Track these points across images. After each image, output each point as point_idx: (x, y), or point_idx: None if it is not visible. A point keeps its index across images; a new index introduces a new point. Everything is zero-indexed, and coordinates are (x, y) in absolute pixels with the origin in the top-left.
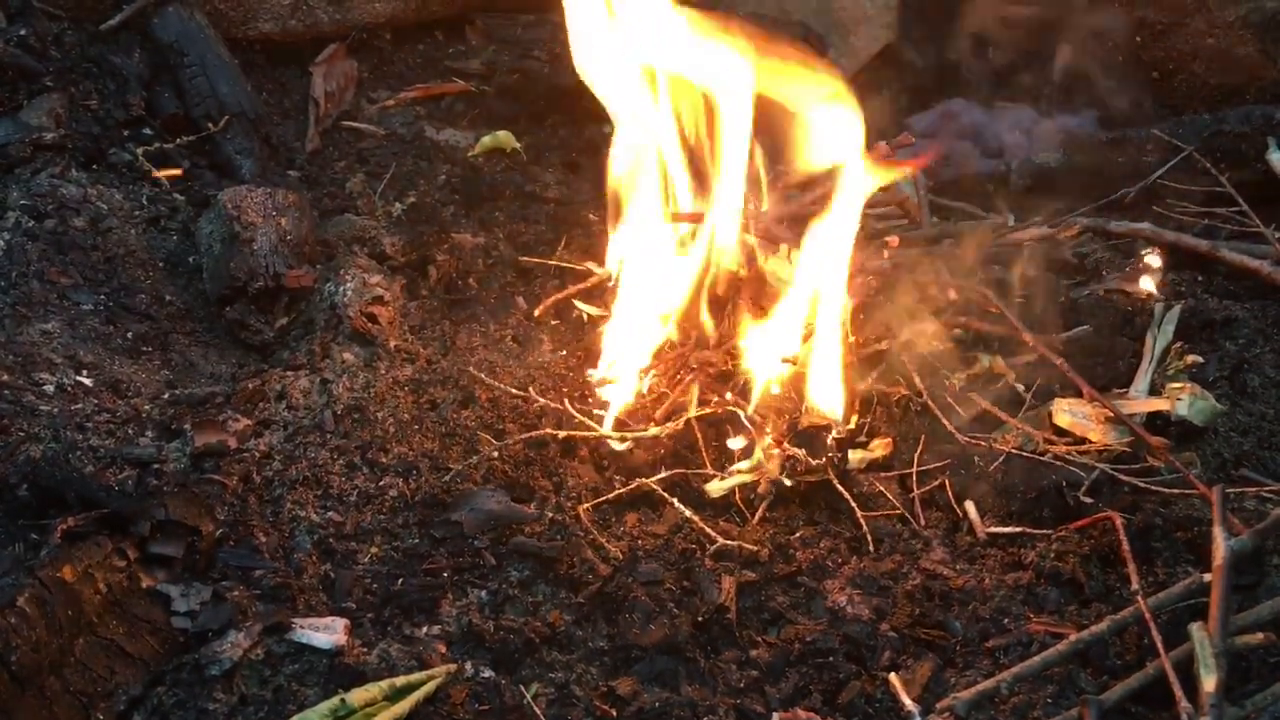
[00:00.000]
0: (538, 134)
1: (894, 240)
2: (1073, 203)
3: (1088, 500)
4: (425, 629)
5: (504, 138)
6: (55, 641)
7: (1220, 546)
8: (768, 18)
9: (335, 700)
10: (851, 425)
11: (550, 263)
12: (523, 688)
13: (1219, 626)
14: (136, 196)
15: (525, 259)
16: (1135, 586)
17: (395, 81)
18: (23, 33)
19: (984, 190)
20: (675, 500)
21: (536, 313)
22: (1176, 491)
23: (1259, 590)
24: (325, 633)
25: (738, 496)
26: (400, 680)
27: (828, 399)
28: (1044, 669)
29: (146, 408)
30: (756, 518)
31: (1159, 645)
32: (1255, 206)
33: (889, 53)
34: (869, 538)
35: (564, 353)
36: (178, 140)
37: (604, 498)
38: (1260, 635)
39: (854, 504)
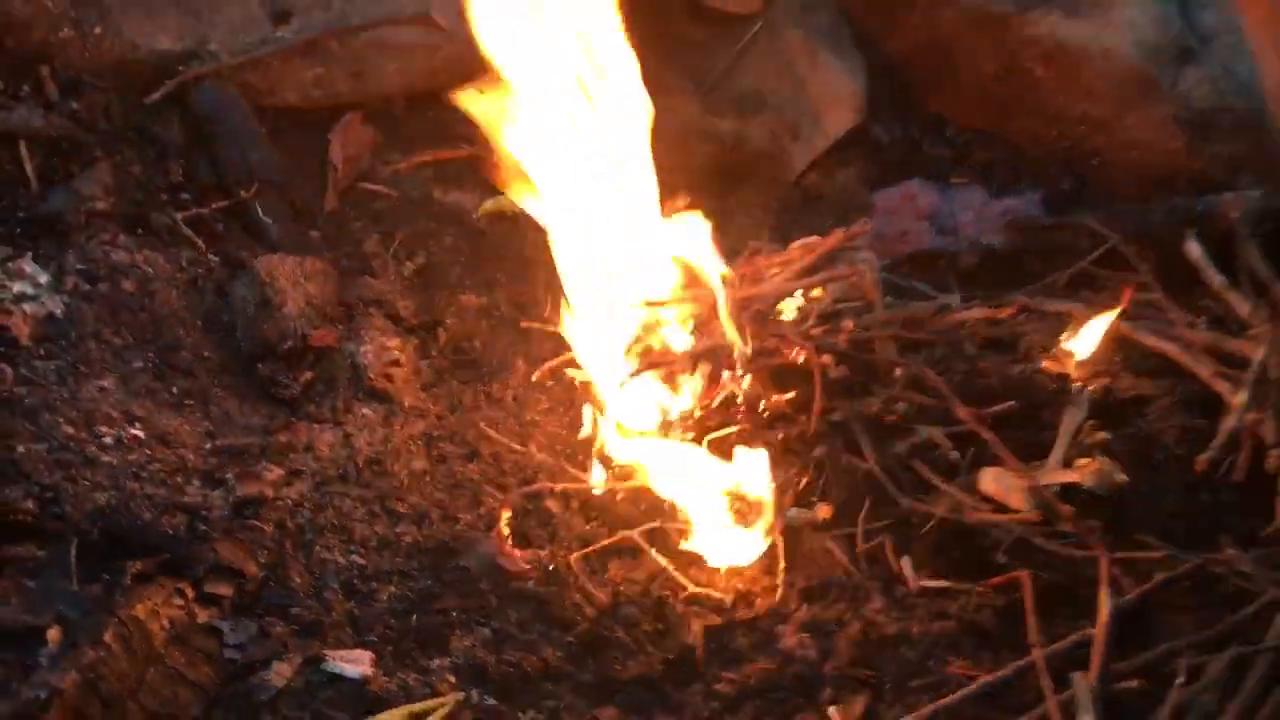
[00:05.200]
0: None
1: (849, 324)
2: (1013, 283)
3: (1005, 559)
4: (437, 661)
5: (505, 202)
6: (133, 671)
7: (1105, 603)
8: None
9: None
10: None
11: (546, 328)
12: (520, 714)
13: (1099, 674)
14: (177, 259)
15: (524, 323)
16: (1032, 638)
17: (407, 146)
18: (74, 106)
19: (939, 268)
20: (653, 550)
21: (534, 377)
22: (1081, 553)
23: (1148, 642)
24: (353, 664)
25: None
26: (418, 706)
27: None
28: (958, 706)
29: (191, 458)
30: (726, 569)
31: (1048, 690)
32: (1174, 292)
33: (858, 132)
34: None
35: (558, 411)
36: (213, 205)
37: (591, 547)
38: (1135, 682)
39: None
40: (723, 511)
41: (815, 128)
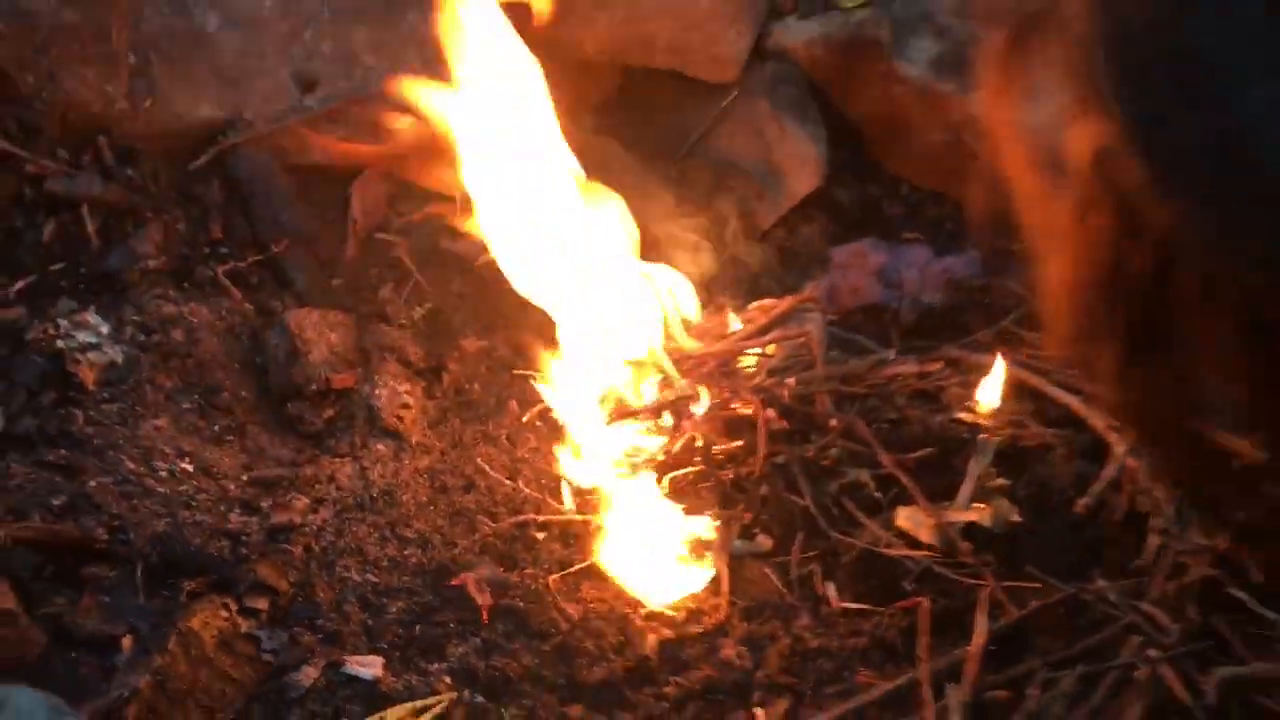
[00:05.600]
0: None
1: (791, 381)
2: (947, 338)
3: (912, 587)
4: (436, 665)
5: None
6: (190, 672)
7: (980, 625)
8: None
9: (376, 717)
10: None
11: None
12: (503, 710)
13: (971, 684)
14: (218, 309)
15: (516, 371)
16: (920, 653)
17: (419, 199)
18: (129, 174)
19: (884, 321)
20: (618, 573)
21: (525, 418)
22: (974, 582)
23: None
24: (367, 667)
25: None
26: (419, 703)
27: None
28: (863, 709)
29: (232, 488)
30: (679, 590)
31: (927, 697)
32: None
33: (820, 192)
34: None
35: (544, 449)
36: (248, 259)
37: (568, 570)
38: (1002, 692)
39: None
40: (674, 545)
41: (781, 189)
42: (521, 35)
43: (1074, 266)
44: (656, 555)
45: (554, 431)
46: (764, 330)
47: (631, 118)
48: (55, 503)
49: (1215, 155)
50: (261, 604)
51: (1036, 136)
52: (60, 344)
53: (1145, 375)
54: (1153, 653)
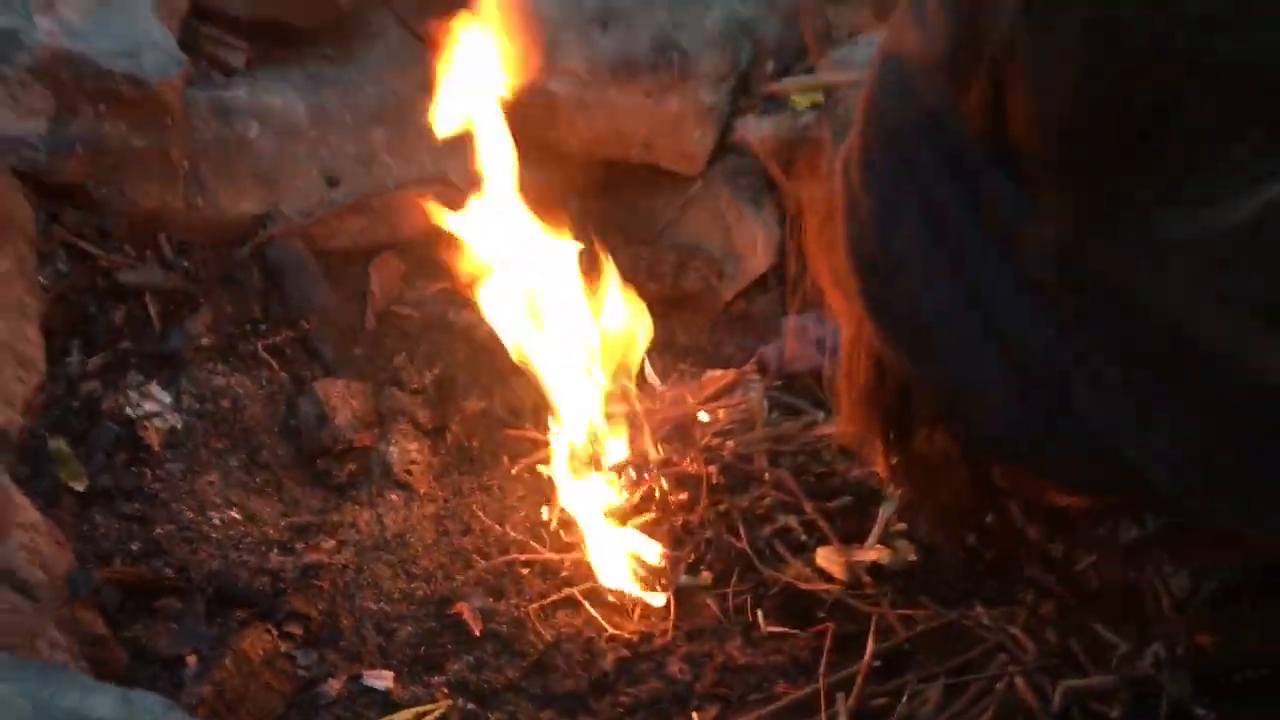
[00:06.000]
0: None
1: (732, 444)
2: None
3: (825, 614)
4: (436, 678)
5: None
6: (243, 685)
7: (870, 646)
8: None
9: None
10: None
11: (525, 433)
12: (490, 715)
13: (858, 694)
14: (258, 379)
15: (509, 430)
16: (822, 670)
17: (430, 275)
18: (185, 265)
19: (820, 387)
20: (587, 603)
21: (514, 471)
22: (874, 610)
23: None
24: (381, 680)
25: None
26: (422, 709)
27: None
28: (777, 714)
29: (271, 532)
30: (636, 617)
31: (824, 705)
32: None
33: (774, 268)
34: (698, 632)
35: (530, 498)
36: (283, 335)
37: (546, 600)
38: (883, 700)
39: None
40: (630, 577)
41: (739, 268)
42: (515, 135)
43: (847, 375)
44: (618, 588)
45: (538, 482)
46: (713, 397)
47: (609, 205)
48: (132, 548)
49: (910, 340)
50: (297, 629)
51: (834, 258)
52: (130, 412)
53: (905, 469)
54: (1011, 668)
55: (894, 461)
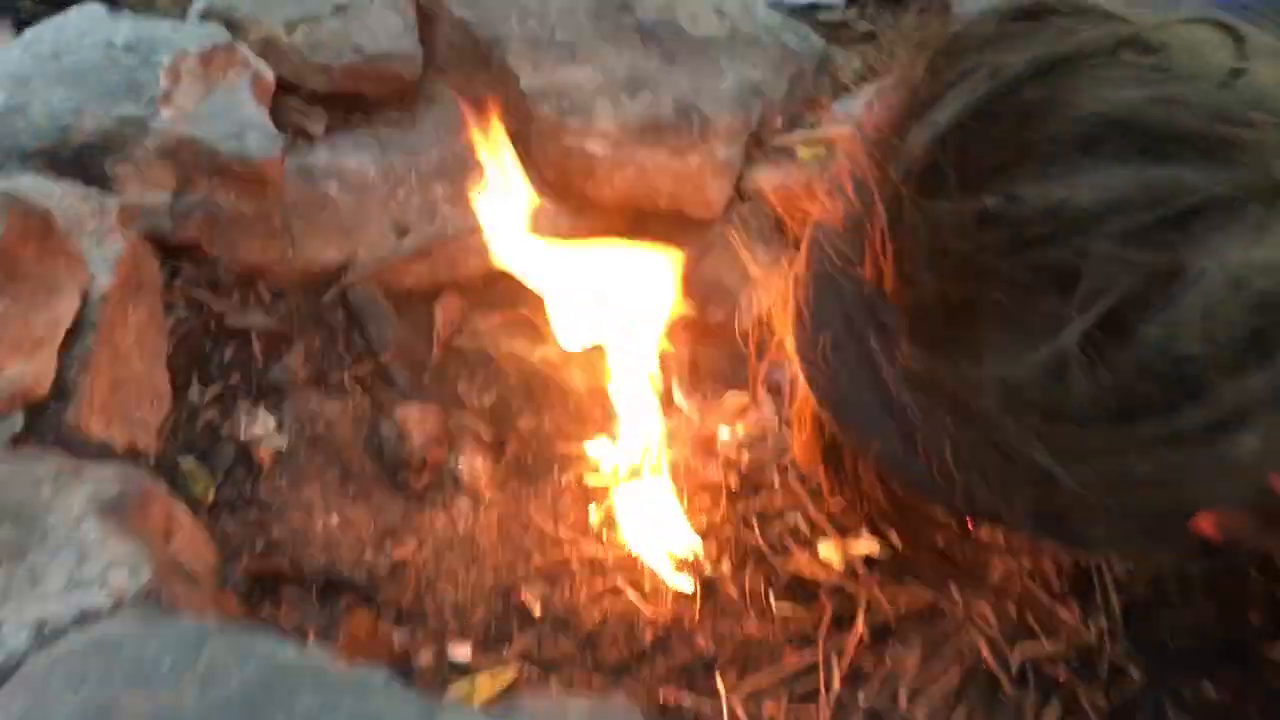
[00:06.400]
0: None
1: (748, 456)
2: None
3: (825, 598)
4: (506, 651)
5: (550, 351)
6: (353, 655)
7: (860, 621)
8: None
9: (468, 679)
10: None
11: (572, 449)
12: (551, 679)
13: (849, 658)
14: (346, 406)
15: (558, 447)
16: (821, 640)
17: (485, 311)
18: (280, 309)
19: None
20: (628, 590)
21: (563, 482)
22: (868, 593)
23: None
24: (462, 652)
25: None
26: (496, 671)
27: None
28: (784, 676)
29: (364, 534)
30: (668, 602)
31: (823, 667)
32: None
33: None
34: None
35: (578, 504)
36: (365, 367)
37: (593, 588)
38: (872, 663)
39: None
40: (666, 568)
41: (754, 300)
42: (555, 190)
43: (798, 421)
44: (653, 577)
45: (584, 490)
46: (732, 416)
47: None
48: (257, 546)
49: (835, 407)
50: (391, 612)
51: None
52: (243, 436)
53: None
54: (977, 637)
55: (833, 481)
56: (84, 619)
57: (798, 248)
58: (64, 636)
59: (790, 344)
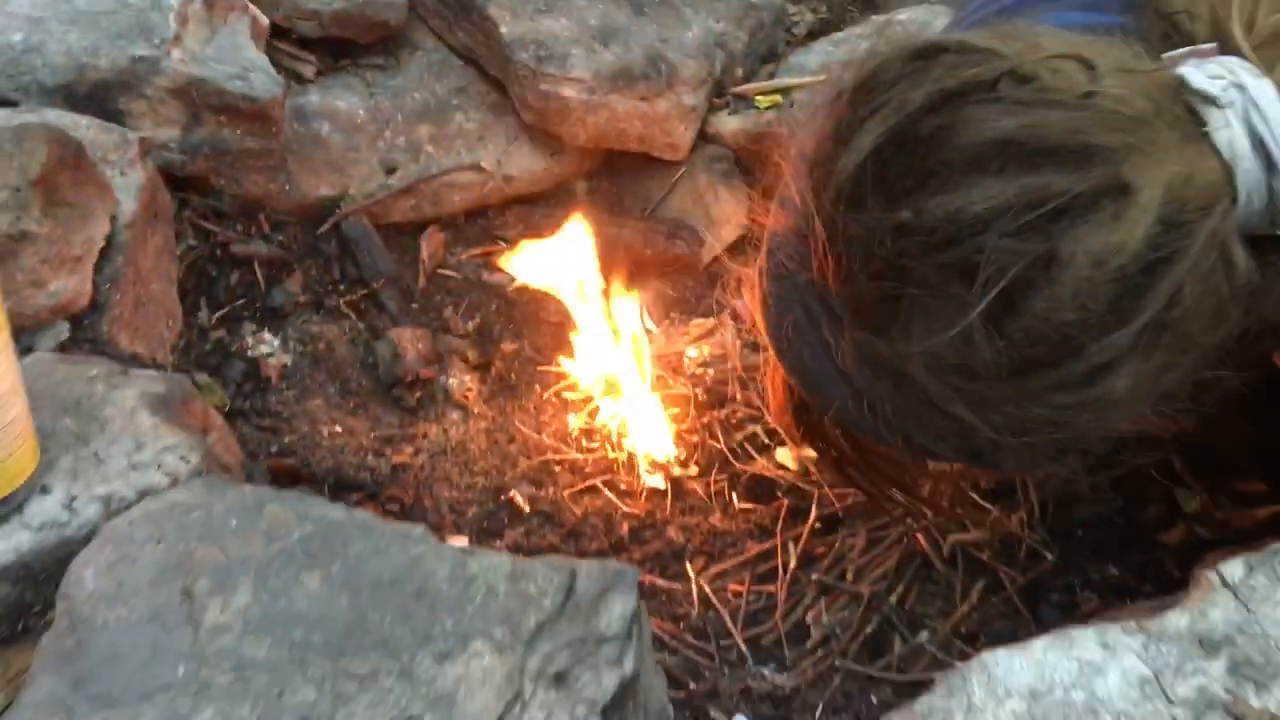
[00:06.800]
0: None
1: (713, 373)
2: None
3: (781, 494)
4: (498, 543)
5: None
6: None
7: (813, 513)
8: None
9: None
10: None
11: (550, 367)
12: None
13: (802, 545)
14: (343, 328)
15: (539, 366)
16: (779, 530)
17: (466, 244)
18: (280, 239)
19: None
20: (606, 490)
21: (545, 397)
22: (820, 490)
23: (836, 533)
24: (458, 543)
25: (638, 489)
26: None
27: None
28: (746, 562)
29: (365, 442)
30: (642, 499)
31: (779, 555)
32: None
33: (743, 236)
34: (689, 509)
35: (559, 416)
36: (359, 294)
37: (574, 488)
38: (821, 549)
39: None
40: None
41: (716, 235)
42: (532, 132)
43: (771, 387)
44: (628, 477)
45: (564, 404)
46: (698, 338)
47: (611, 186)
48: (271, 449)
49: (799, 376)
50: (395, 508)
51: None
52: (250, 353)
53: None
54: (914, 525)
55: (803, 432)
56: (145, 495)
57: (757, 191)
58: (134, 506)
59: (760, 325)
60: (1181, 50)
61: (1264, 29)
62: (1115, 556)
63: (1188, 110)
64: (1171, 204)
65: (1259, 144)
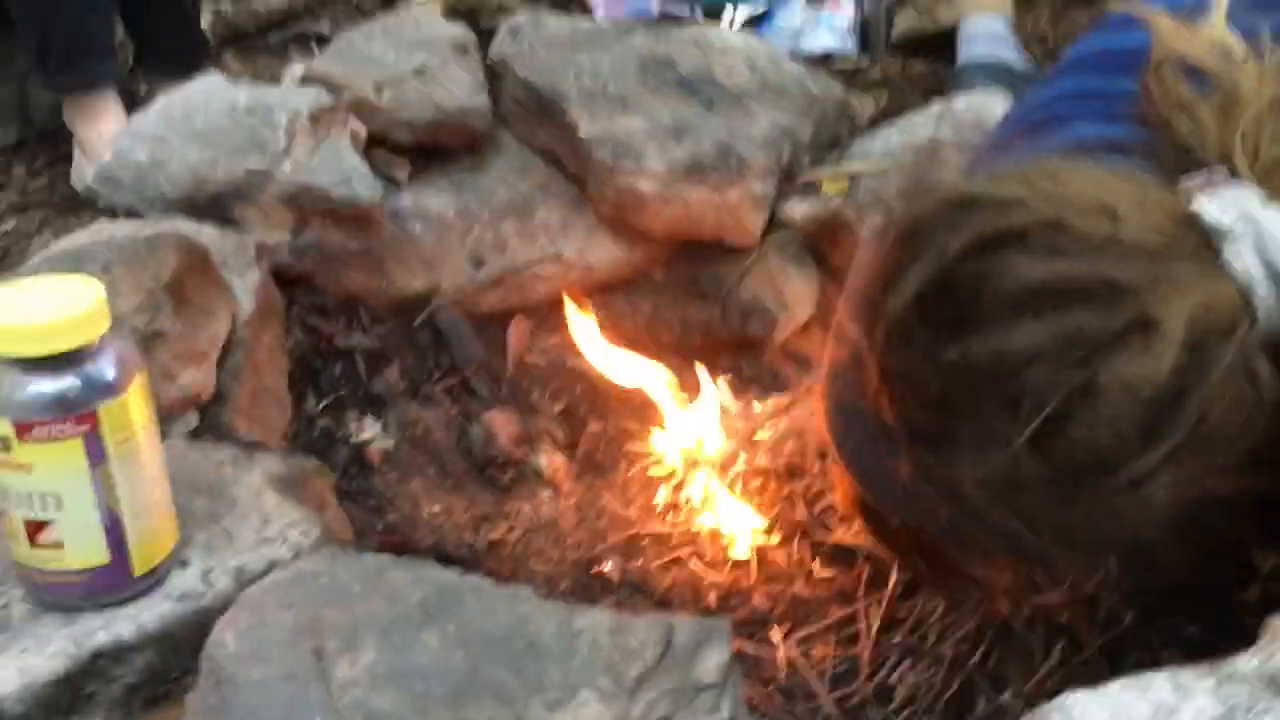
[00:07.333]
0: None
1: (790, 446)
2: None
3: (861, 562)
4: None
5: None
6: None
7: (893, 579)
8: None
9: None
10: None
11: (635, 447)
12: None
13: (884, 609)
14: (438, 413)
15: (624, 446)
16: (860, 595)
17: (550, 332)
18: (379, 331)
19: None
20: (692, 561)
21: (630, 474)
22: (894, 559)
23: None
24: None
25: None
26: None
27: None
28: (828, 625)
29: (463, 520)
30: (727, 570)
31: (861, 619)
32: None
33: (815, 317)
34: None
35: (646, 491)
36: (453, 381)
37: (662, 560)
38: (903, 613)
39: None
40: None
41: (789, 317)
42: (611, 224)
43: (838, 484)
44: (714, 548)
45: (649, 480)
46: (774, 414)
47: (687, 273)
48: (377, 528)
49: (865, 482)
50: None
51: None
52: (354, 439)
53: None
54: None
55: (869, 525)
56: (273, 567)
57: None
58: (265, 576)
59: (828, 439)
60: (1195, 180)
61: (1268, 159)
62: (1194, 616)
63: (1203, 240)
64: (1195, 332)
65: (1271, 268)
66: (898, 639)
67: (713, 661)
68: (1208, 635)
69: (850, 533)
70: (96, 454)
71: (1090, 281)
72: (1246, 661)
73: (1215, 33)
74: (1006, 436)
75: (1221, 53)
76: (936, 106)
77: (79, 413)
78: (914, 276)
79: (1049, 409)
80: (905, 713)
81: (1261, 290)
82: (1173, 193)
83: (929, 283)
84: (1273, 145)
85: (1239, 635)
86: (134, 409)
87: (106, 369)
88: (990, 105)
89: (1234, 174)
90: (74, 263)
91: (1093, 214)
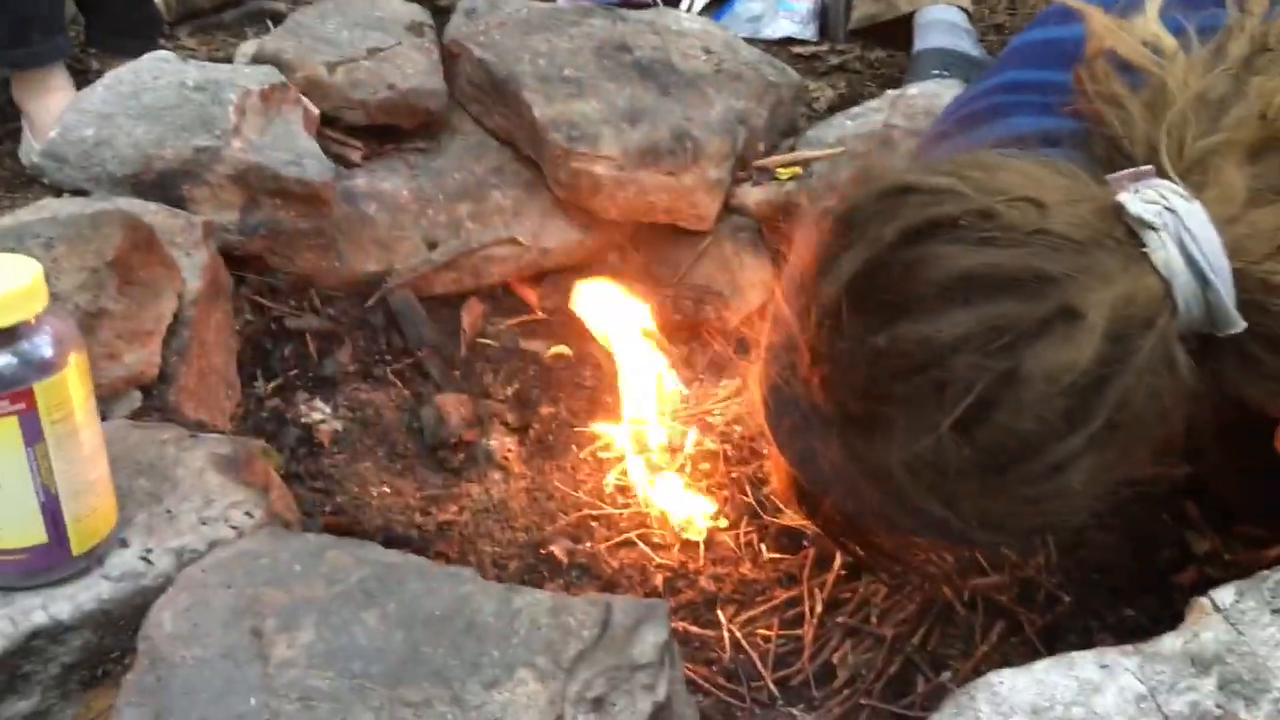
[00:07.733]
0: (583, 345)
1: (741, 430)
2: None
3: (807, 544)
4: None
5: (562, 348)
6: None
7: (837, 561)
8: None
9: None
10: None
11: (586, 429)
12: None
13: (828, 591)
14: (389, 395)
15: (575, 428)
16: (805, 577)
17: (504, 314)
18: (330, 312)
19: None
20: (640, 543)
21: (581, 456)
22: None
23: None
24: None
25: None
26: None
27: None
28: (774, 607)
29: (413, 501)
30: (675, 551)
31: (806, 600)
32: None
33: (764, 304)
34: (720, 560)
35: (596, 475)
36: (404, 362)
37: (610, 542)
38: (847, 594)
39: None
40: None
41: (742, 301)
42: (566, 207)
43: (775, 467)
44: (661, 531)
45: (599, 463)
46: (726, 398)
47: (641, 256)
48: (325, 509)
49: (797, 465)
50: (440, 563)
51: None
52: (304, 420)
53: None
54: (935, 572)
55: (803, 508)
56: (214, 547)
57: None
58: (205, 555)
59: (762, 422)
60: (1122, 174)
61: (1192, 154)
62: (1131, 598)
63: (1128, 232)
64: (1116, 322)
65: (1191, 262)
66: (841, 620)
67: (650, 641)
68: (1142, 618)
69: (797, 516)
70: (32, 432)
71: (1017, 271)
72: (1171, 641)
73: (1147, 28)
74: (933, 421)
75: (1152, 49)
76: (891, 93)
77: (14, 390)
78: (847, 263)
79: (974, 395)
80: (845, 692)
81: (1181, 280)
82: (1101, 186)
83: (861, 269)
84: (1196, 141)
85: (1173, 618)
86: (72, 387)
87: (43, 347)
88: (943, 93)
89: (1159, 169)
90: (16, 240)
91: (1022, 205)
